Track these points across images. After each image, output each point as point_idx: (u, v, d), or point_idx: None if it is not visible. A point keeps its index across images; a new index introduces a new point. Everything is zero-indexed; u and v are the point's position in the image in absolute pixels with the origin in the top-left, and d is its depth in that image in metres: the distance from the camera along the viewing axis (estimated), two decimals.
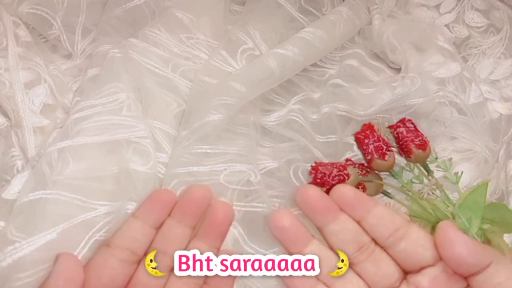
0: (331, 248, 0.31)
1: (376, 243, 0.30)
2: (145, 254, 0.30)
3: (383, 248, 0.30)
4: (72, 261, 0.28)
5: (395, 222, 0.30)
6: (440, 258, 0.28)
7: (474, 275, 0.27)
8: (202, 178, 0.34)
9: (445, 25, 0.46)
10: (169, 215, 0.30)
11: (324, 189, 0.35)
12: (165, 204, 0.30)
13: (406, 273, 0.30)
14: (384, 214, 0.30)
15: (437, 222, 0.35)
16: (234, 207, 0.33)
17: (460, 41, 0.46)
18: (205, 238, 0.30)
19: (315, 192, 0.30)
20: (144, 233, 0.30)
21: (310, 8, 0.44)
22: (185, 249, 0.30)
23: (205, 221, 0.30)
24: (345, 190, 0.30)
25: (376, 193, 0.38)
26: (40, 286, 0.28)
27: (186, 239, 0.30)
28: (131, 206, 0.32)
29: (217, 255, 0.30)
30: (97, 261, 0.29)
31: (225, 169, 0.34)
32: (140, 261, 0.30)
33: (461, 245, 0.27)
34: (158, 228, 0.30)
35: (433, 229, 0.35)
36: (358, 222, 0.30)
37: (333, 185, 0.35)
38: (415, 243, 0.29)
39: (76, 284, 0.27)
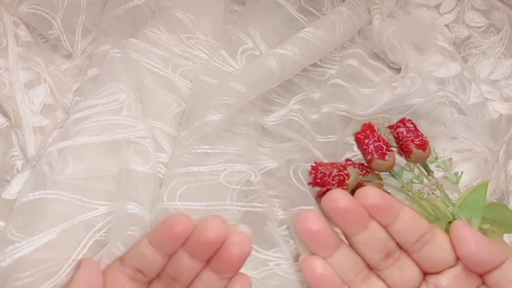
0: (358, 254, 0.30)
1: (400, 247, 0.30)
2: (158, 276, 0.30)
3: (407, 252, 0.30)
4: (94, 268, 0.28)
5: (422, 227, 0.29)
6: (458, 258, 0.29)
7: (489, 272, 0.28)
8: (202, 178, 0.34)
9: (445, 25, 0.46)
10: (182, 245, 0.29)
11: (324, 189, 0.35)
12: (180, 235, 0.28)
13: (425, 273, 0.30)
14: (411, 218, 0.29)
15: (437, 222, 0.35)
16: (233, 207, 0.33)
17: (460, 41, 0.46)
18: (217, 271, 0.29)
19: (345, 198, 0.28)
20: (155, 261, 0.29)
21: (310, 8, 0.44)
22: (195, 278, 0.29)
23: (218, 255, 0.29)
24: (373, 193, 0.29)
25: None
26: None
27: (197, 271, 0.29)
28: (131, 206, 0.32)
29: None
30: (110, 276, 0.29)
31: (225, 169, 0.34)
32: (151, 281, 0.30)
33: (476, 243, 0.28)
34: (171, 255, 0.29)
35: None
36: (386, 227, 0.29)
37: (333, 185, 0.35)
38: (440, 247, 0.29)
39: None
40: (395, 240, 0.30)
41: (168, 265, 0.29)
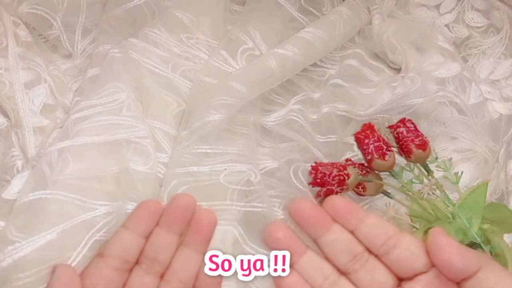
0: (326, 258, 0.31)
1: (369, 252, 0.31)
2: (137, 262, 0.31)
3: (376, 256, 0.31)
4: (69, 271, 0.29)
5: (387, 231, 0.30)
6: (432, 265, 0.29)
7: (465, 280, 0.28)
8: (202, 178, 0.34)
9: (445, 25, 0.46)
10: (157, 224, 0.31)
11: (324, 189, 0.35)
12: (153, 214, 0.31)
13: (400, 280, 0.30)
14: (376, 223, 0.30)
15: (437, 222, 0.35)
16: (233, 207, 0.33)
17: (460, 41, 0.46)
18: (192, 244, 0.31)
19: (308, 204, 0.31)
20: (134, 243, 0.30)
21: (310, 8, 0.44)
22: (173, 255, 0.31)
23: (190, 228, 0.31)
24: (337, 201, 0.31)
25: (376, 193, 0.38)
26: None
27: (174, 246, 0.31)
28: (131, 206, 0.32)
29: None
30: (91, 271, 0.30)
31: (225, 169, 0.34)
32: (132, 268, 0.31)
33: (450, 250, 0.28)
34: (148, 236, 0.31)
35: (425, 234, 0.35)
36: (352, 232, 0.31)
37: (333, 185, 0.35)
38: (408, 250, 0.29)
39: None
40: (363, 245, 0.31)
41: (146, 246, 0.31)
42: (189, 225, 0.32)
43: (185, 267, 0.31)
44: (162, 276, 0.31)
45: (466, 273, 0.27)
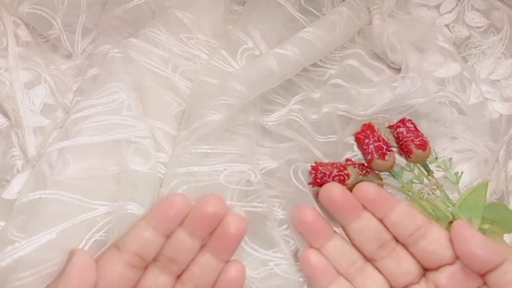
0: (353, 245, 0.32)
1: (397, 240, 0.31)
2: (154, 260, 0.30)
3: (404, 245, 0.31)
4: (86, 259, 0.28)
5: (417, 221, 0.30)
6: (458, 257, 0.29)
7: (489, 272, 0.28)
8: (202, 178, 0.34)
9: (445, 25, 0.46)
10: (180, 224, 0.30)
11: None
12: (178, 214, 0.29)
13: (425, 270, 0.30)
14: (406, 212, 0.31)
15: (438, 222, 0.35)
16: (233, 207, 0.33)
17: (460, 41, 0.46)
18: (215, 251, 0.30)
19: (339, 190, 0.31)
20: (154, 241, 0.29)
21: (310, 8, 0.44)
22: (193, 259, 0.30)
23: (216, 234, 0.30)
24: (368, 188, 0.31)
25: None
26: (52, 282, 0.27)
27: (195, 251, 0.30)
28: (131, 206, 0.32)
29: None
30: (106, 264, 0.28)
31: (225, 169, 0.34)
32: (148, 266, 0.30)
33: (476, 242, 0.28)
34: (169, 235, 0.30)
35: None
36: (381, 220, 0.31)
37: None
38: (435, 242, 0.30)
39: (89, 283, 0.27)
40: (391, 233, 0.31)
41: (166, 246, 0.29)
42: (215, 229, 0.30)
43: (204, 273, 0.30)
44: (178, 277, 0.30)
45: (491, 265, 0.27)
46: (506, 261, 0.27)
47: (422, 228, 0.30)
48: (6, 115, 0.37)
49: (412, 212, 0.31)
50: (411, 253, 0.31)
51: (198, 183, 0.33)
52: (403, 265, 0.30)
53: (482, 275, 0.28)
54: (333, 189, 0.31)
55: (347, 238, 0.32)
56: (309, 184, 0.36)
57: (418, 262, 0.31)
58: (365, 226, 0.31)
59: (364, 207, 0.31)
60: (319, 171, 0.35)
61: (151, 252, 0.29)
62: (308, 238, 0.32)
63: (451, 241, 0.29)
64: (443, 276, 0.29)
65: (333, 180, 0.35)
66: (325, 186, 0.31)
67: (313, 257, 0.31)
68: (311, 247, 0.32)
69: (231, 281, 0.30)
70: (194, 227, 0.29)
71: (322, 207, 0.33)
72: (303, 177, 0.37)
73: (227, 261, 0.30)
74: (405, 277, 0.30)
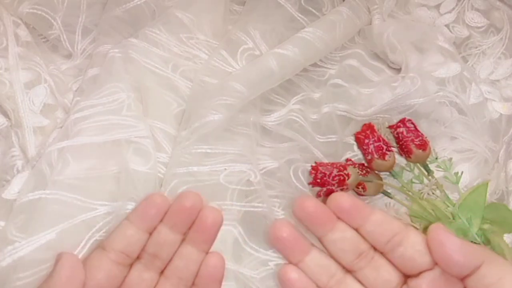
0: (331, 256, 0.31)
1: (375, 249, 0.31)
2: (138, 257, 0.31)
3: (382, 253, 0.31)
4: (74, 260, 0.29)
5: (393, 228, 0.30)
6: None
7: (467, 276, 0.27)
8: (202, 178, 0.34)
9: (445, 25, 0.46)
10: (161, 220, 0.31)
11: (324, 189, 0.35)
12: (158, 210, 0.31)
13: (406, 277, 0.30)
14: (382, 220, 0.30)
15: (437, 222, 0.35)
16: (233, 207, 0.33)
17: (460, 41, 0.46)
18: (195, 243, 0.31)
19: (312, 203, 0.30)
20: (138, 238, 0.30)
21: (310, 8, 0.44)
22: (175, 253, 0.31)
23: (194, 227, 0.31)
24: (342, 199, 0.31)
25: (376, 193, 0.38)
26: (41, 285, 0.28)
27: (177, 244, 0.31)
28: (131, 206, 0.32)
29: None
30: (93, 264, 0.29)
31: (225, 169, 0.34)
32: (132, 263, 0.31)
33: (451, 247, 0.27)
34: (151, 232, 0.31)
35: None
36: (356, 230, 0.31)
37: (333, 185, 0.35)
38: (413, 248, 0.29)
39: (77, 283, 0.28)
40: (368, 242, 0.30)
41: (149, 242, 0.31)
42: (193, 223, 0.31)
43: (185, 264, 0.31)
44: (162, 272, 0.31)
45: (468, 268, 0.27)
46: (483, 264, 0.27)
47: (398, 235, 0.30)
48: (6, 115, 0.37)
49: (387, 219, 0.30)
50: (390, 261, 0.30)
51: (198, 183, 0.34)
52: (383, 274, 0.30)
53: (462, 279, 0.28)
54: (305, 202, 0.30)
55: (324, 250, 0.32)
56: (309, 184, 0.36)
57: (398, 269, 0.30)
58: (341, 237, 0.30)
59: (338, 218, 0.31)
60: (319, 171, 0.35)
61: (135, 249, 0.30)
62: (285, 253, 0.32)
63: (426, 245, 0.29)
64: (423, 282, 0.29)
65: (333, 180, 0.35)
66: (298, 198, 0.31)
67: (292, 274, 0.31)
68: (289, 262, 0.32)
69: (211, 269, 0.31)
70: (174, 222, 0.31)
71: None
72: (303, 177, 0.37)
73: (207, 252, 0.32)
74: (385, 285, 0.30)
